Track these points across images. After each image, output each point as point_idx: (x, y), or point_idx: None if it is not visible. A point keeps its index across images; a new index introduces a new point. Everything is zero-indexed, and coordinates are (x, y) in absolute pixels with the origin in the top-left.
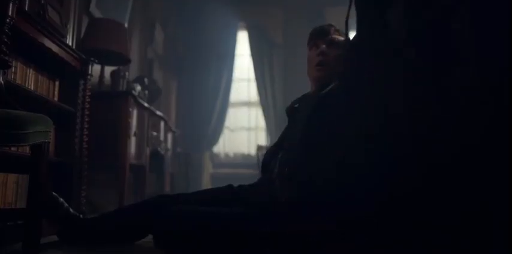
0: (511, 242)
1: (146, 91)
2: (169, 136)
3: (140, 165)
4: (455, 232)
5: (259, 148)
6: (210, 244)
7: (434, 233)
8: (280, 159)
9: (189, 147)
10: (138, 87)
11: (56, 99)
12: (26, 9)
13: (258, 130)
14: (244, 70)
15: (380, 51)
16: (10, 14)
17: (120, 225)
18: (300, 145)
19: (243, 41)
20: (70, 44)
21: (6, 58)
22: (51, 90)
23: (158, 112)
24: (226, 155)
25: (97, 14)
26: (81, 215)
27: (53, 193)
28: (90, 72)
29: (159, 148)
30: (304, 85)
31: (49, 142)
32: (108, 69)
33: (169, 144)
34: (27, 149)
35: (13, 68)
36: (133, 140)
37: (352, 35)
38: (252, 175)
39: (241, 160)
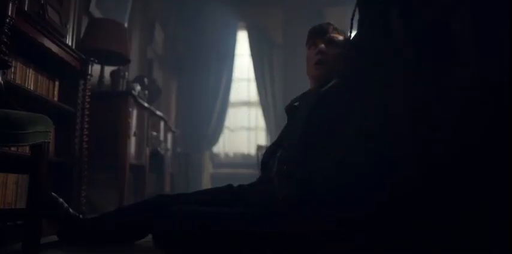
0: (511, 242)
1: (146, 91)
2: (169, 136)
3: (140, 165)
4: (455, 232)
5: (259, 148)
6: (210, 244)
7: (434, 233)
8: (279, 157)
9: (189, 147)
10: (138, 87)
11: (55, 99)
12: (26, 9)
13: (258, 130)
14: (244, 70)
15: (380, 51)
16: (10, 14)
17: (120, 225)
18: (299, 142)
19: (243, 41)
20: (70, 44)
21: (6, 58)
22: (51, 90)
23: (158, 112)
24: (226, 155)
25: (97, 14)
26: (80, 216)
27: (53, 193)
28: (90, 72)
29: (159, 148)
30: (304, 85)
31: (49, 142)
32: (108, 69)
33: (169, 144)
34: (27, 149)
35: (13, 68)
36: (133, 140)
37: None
38: (252, 175)
39: (241, 160)
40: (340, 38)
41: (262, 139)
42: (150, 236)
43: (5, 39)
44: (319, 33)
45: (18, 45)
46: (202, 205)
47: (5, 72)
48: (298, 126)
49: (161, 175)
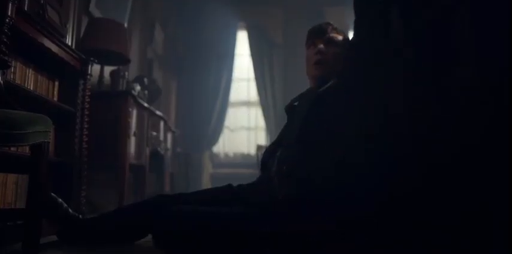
0: (511, 242)
1: (146, 91)
2: (169, 136)
3: (140, 165)
4: (455, 232)
5: (259, 148)
6: (210, 244)
7: (434, 233)
8: (279, 157)
9: (189, 146)
10: (138, 87)
11: (55, 99)
12: (26, 9)
13: (257, 130)
14: (244, 70)
15: (380, 51)
16: (9, 14)
17: (120, 225)
18: (297, 142)
19: (243, 41)
20: (70, 43)
21: (6, 58)
22: (51, 90)
23: (158, 112)
24: (226, 155)
25: (97, 13)
26: (80, 216)
27: (52, 193)
28: (89, 72)
29: (158, 148)
30: (304, 85)
31: (49, 142)
32: (108, 69)
33: (169, 144)
34: (27, 149)
35: (13, 68)
36: (133, 140)
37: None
38: (252, 175)
39: (241, 160)
40: (340, 37)
41: (262, 139)
42: (150, 236)
43: (5, 39)
44: (318, 33)
45: (18, 45)
46: (202, 205)
47: (4, 72)
48: (297, 126)
49: (161, 175)
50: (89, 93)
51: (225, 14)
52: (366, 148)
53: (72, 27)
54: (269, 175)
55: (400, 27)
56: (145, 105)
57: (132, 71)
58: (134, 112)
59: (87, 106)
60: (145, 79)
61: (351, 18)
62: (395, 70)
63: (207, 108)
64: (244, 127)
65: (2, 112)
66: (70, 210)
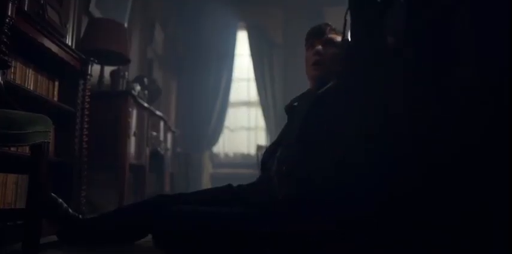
0: (511, 242)
1: (146, 91)
2: (169, 136)
3: (140, 165)
4: (455, 232)
5: (259, 148)
6: (210, 244)
7: (434, 233)
8: (278, 157)
9: (189, 147)
10: (138, 87)
11: (55, 99)
12: (26, 9)
13: (257, 130)
14: (244, 70)
15: (379, 51)
16: (9, 14)
17: (120, 225)
18: (296, 142)
19: (243, 41)
20: (70, 43)
21: (6, 58)
22: (51, 90)
23: (158, 112)
24: (226, 155)
25: (97, 14)
26: (80, 216)
27: (52, 193)
28: (89, 72)
29: (158, 148)
30: (304, 85)
31: (49, 142)
32: (108, 69)
33: (169, 144)
34: (27, 149)
35: (13, 68)
36: (133, 140)
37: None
38: (252, 175)
39: (241, 160)
40: (338, 38)
41: (262, 139)
42: (150, 236)
43: (5, 39)
44: (316, 34)
45: (18, 45)
46: (202, 205)
47: (4, 72)
48: (297, 126)
49: (161, 175)
50: (89, 93)
51: (225, 14)
52: (365, 148)
53: (72, 27)
54: (269, 175)
55: (400, 27)
56: (145, 105)
57: (132, 71)
58: (134, 112)
59: (87, 106)
60: (145, 79)
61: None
62: (395, 70)
63: (207, 108)
64: (244, 127)
65: (2, 112)
66: (70, 210)
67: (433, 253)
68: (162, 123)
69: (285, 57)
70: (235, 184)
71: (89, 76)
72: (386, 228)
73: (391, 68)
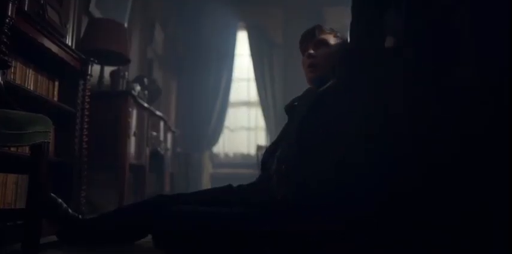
0: (511, 242)
1: (146, 91)
2: (169, 136)
3: (140, 165)
4: (455, 232)
5: (259, 148)
6: (210, 244)
7: (434, 233)
8: (278, 156)
9: (189, 147)
10: (138, 87)
11: (55, 99)
12: (26, 9)
13: (257, 130)
14: (244, 70)
15: (379, 51)
16: (10, 14)
17: (120, 225)
18: (296, 142)
19: (243, 41)
20: (70, 44)
21: (6, 58)
22: (51, 90)
23: (158, 112)
24: (226, 155)
25: (97, 14)
26: (80, 216)
27: (51, 194)
28: (89, 72)
29: (158, 148)
30: (304, 85)
31: (49, 142)
32: (108, 69)
33: (169, 144)
34: (27, 149)
35: (13, 68)
36: (133, 140)
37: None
38: (252, 175)
39: (241, 160)
40: (330, 37)
41: (262, 139)
42: (150, 236)
43: (5, 39)
44: (308, 37)
45: (18, 45)
46: (202, 205)
47: (4, 72)
48: (296, 125)
49: (161, 175)
50: (89, 93)
51: (225, 14)
52: (365, 148)
53: (72, 27)
54: (269, 174)
55: (400, 27)
56: (145, 105)
57: (132, 71)
58: (134, 112)
59: (87, 106)
60: (145, 80)
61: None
62: (395, 70)
63: (207, 108)
64: (244, 128)
65: (2, 112)
66: (70, 210)
67: (433, 253)
68: (162, 123)
69: (285, 57)
70: (235, 184)
71: (89, 77)
72: (387, 228)
73: (391, 68)
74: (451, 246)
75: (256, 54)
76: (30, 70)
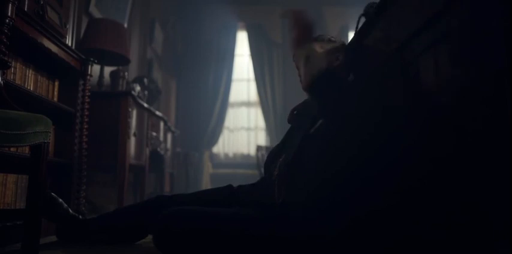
0: (511, 242)
1: (146, 92)
2: (169, 136)
3: (140, 165)
4: (454, 231)
5: (258, 148)
6: (210, 245)
7: (434, 232)
8: (281, 163)
9: (189, 147)
10: (138, 87)
11: (55, 99)
12: (26, 9)
13: (257, 130)
14: (244, 70)
15: (379, 51)
16: (9, 14)
17: (120, 225)
18: (298, 153)
19: (242, 41)
20: (69, 44)
21: (6, 58)
22: (51, 91)
23: (158, 113)
24: (226, 155)
25: (96, 14)
26: (80, 216)
27: (52, 193)
28: (89, 72)
29: (158, 149)
30: None
31: (48, 142)
32: (108, 69)
33: (168, 144)
34: (27, 149)
35: (12, 68)
36: (132, 140)
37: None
38: (251, 175)
39: (241, 160)
40: (315, 46)
41: (262, 139)
42: (150, 237)
43: (5, 40)
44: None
45: (18, 45)
46: (201, 206)
47: (4, 72)
48: (300, 135)
49: (161, 175)
50: (89, 94)
51: (224, 14)
52: (366, 150)
53: (72, 27)
54: (271, 179)
55: (400, 27)
56: (145, 105)
57: (131, 71)
58: (134, 113)
59: (87, 106)
60: (145, 80)
61: (350, 18)
62: (395, 70)
63: (206, 108)
64: (244, 128)
65: (2, 112)
66: (70, 210)
67: (433, 253)
68: (161, 123)
69: (285, 57)
70: (235, 184)
71: (88, 77)
72: (387, 228)
73: (391, 68)
74: (451, 246)
75: (256, 54)
76: (30, 71)
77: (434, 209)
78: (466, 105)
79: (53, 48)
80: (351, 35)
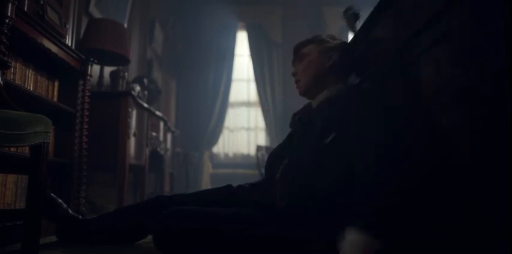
0: (511, 242)
1: (146, 92)
2: (169, 136)
3: (140, 165)
4: (454, 231)
5: (258, 148)
6: (210, 244)
7: (434, 232)
8: (284, 165)
9: (189, 147)
10: (138, 87)
11: (55, 99)
12: (25, 9)
13: (257, 130)
14: (244, 70)
15: (379, 51)
16: (9, 14)
17: (120, 226)
18: (306, 157)
19: (242, 41)
20: (69, 44)
21: (6, 58)
22: (51, 91)
23: (157, 113)
24: (226, 155)
25: (96, 14)
26: (80, 216)
27: (52, 193)
28: (89, 72)
29: (158, 149)
30: None
31: (48, 142)
32: (108, 70)
33: (168, 144)
34: (27, 149)
35: (12, 69)
36: (132, 140)
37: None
38: (251, 175)
39: (241, 160)
40: (311, 48)
41: (262, 139)
42: (150, 236)
43: (5, 40)
44: (293, 56)
45: (17, 45)
46: (201, 206)
47: (4, 72)
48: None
49: (161, 176)
50: (89, 94)
51: (224, 14)
52: (367, 153)
53: (72, 27)
54: (272, 180)
55: (400, 28)
56: (145, 105)
57: (131, 71)
58: (134, 113)
59: (86, 106)
60: (145, 80)
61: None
62: (395, 70)
63: (206, 108)
64: (243, 128)
65: (2, 112)
66: (70, 210)
67: (433, 253)
68: (161, 123)
69: (285, 57)
70: (235, 184)
71: (88, 77)
72: (387, 228)
73: (391, 68)
74: (451, 246)
75: (256, 54)
76: (30, 71)
77: (434, 209)
78: (466, 105)
79: (53, 48)
80: (350, 35)
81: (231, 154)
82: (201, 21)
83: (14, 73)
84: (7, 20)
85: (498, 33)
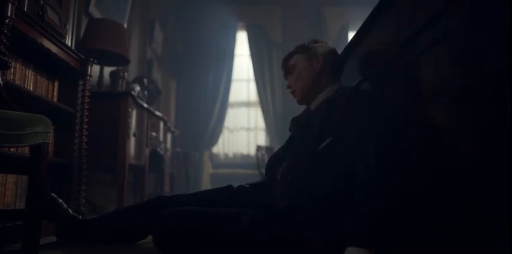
0: (511, 242)
1: (145, 92)
2: (169, 136)
3: (140, 165)
4: (454, 231)
5: (258, 148)
6: (210, 245)
7: (434, 232)
8: (284, 167)
9: (189, 147)
10: (138, 88)
11: (55, 99)
12: (25, 9)
13: (257, 131)
14: (243, 70)
15: (379, 51)
16: (9, 14)
17: (120, 226)
18: (305, 158)
19: (242, 41)
20: (69, 44)
21: (6, 58)
22: (51, 91)
23: (157, 113)
24: (226, 155)
25: (96, 14)
26: (80, 216)
27: (52, 193)
28: (89, 72)
29: (158, 149)
30: None
31: (48, 142)
32: (108, 70)
33: (168, 144)
34: (27, 150)
35: (12, 69)
36: (132, 140)
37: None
38: (251, 175)
39: (241, 161)
40: (297, 58)
41: (261, 139)
42: (150, 237)
43: (5, 40)
44: (283, 71)
45: (17, 45)
46: (201, 206)
47: (4, 72)
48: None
49: (161, 176)
50: (89, 94)
51: (224, 14)
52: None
53: (72, 27)
54: (272, 181)
55: (400, 28)
56: (145, 105)
57: (131, 71)
58: (134, 113)
59: (86, 106)
60: (145, 80)
61: (350, 18)
62: (395, 70)
63: (206, 108)
64: (243, 128)
65: (1, 112)
66: (70, 210)
67: (433, 253)
68: (161, 124)
69: None
70: (235, 184)
71: (88, 77)
72: (387, 228)
73: (391, 68)
74: (451, 246)
75: (255, 54)
76: (30, 71)
77: (434, 209)
78: (466, 105)
79: (53, 48)
80: (350, 35)
81: (231, 154)
82: (201, 21)
83: (14, 74)
84: (7, 20)
85: (498, 33)
